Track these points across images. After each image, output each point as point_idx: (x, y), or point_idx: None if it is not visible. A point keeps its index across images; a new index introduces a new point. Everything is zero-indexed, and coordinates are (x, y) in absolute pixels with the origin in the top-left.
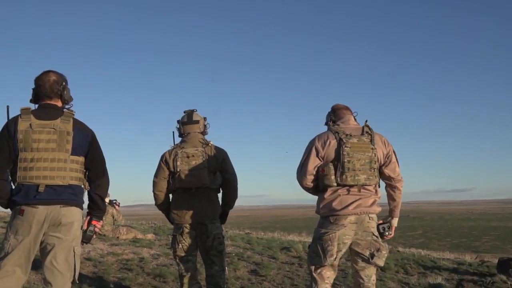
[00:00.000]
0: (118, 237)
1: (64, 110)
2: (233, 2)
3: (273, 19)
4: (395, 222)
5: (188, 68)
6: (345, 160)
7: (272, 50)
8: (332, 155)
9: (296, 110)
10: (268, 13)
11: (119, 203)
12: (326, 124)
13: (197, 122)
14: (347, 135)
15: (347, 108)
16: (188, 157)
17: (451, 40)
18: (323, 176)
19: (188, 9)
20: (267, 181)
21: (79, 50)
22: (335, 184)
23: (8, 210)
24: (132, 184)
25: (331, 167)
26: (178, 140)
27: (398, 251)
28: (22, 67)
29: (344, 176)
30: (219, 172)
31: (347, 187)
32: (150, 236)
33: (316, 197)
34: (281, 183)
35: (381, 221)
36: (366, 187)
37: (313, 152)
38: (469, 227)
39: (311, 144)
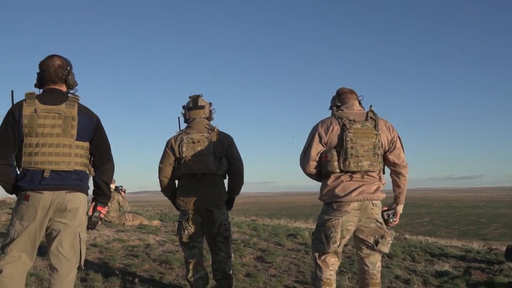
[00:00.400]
0: (124, 224)
1: (69, 95)
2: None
3: (273, 18)
4: (400, 208)
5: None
6: (348, 146)
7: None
8: (335, 141)
9: (302, 96)
10: (268, 13)
11: (125, 190)
12: (330, 108)
13: (202, 107)
14: (350, 120)
15: (352, 92)
16: (193, 142)
17: (461, 25)
18: (326, 162)
19: (188, 8)
20: (274, 168)
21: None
22: (338, 170)
23: (14, 196)
24: (137, 170)
25: (334, 153)
26: (183, 125)
27: (405, 238)
28: (26, 52)
29: (347, 163)
30: (225, 158)
31: (350, 174)
32: (156, 222)
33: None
34: (287, 169)
35: (385, 208)
36: (369, 173)
37: (316, 138)
38: (477, 214)
39: (314, 130)
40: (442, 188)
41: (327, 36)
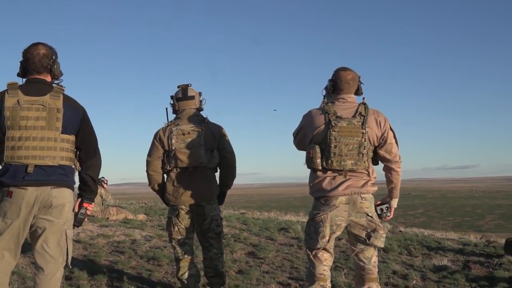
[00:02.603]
0: (108, 218)
1: (54, 85)
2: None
3: (273, 17)
4: (394, 203)
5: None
6: (332, 145)
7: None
8: (319, 137)
9: (290, 84)
10: (269, 11)
11: (107, 181)
12: (325, 90)
13: (192, 97)
14: (337, 117)
15: (353, 79)
16: (183, 134)
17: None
18: (309, 158)
19: (187, 7)
20: (260, 159)
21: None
22: (320, 167)
23: None
24: (118, 161)
25: (317, 150)
26: (172, 116)
27: (400, 231)
28: (8, 39)
29: (329, 161)
30: (216, 150)
31: (333, 170)
32: (141, 216)
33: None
34: (275, 160)
35: (379, 202)
36: (353, 171)
37: (301, 131)
38: (473, 205)
39: (302, 120)
40: (436, 178)
41: (323, 33)
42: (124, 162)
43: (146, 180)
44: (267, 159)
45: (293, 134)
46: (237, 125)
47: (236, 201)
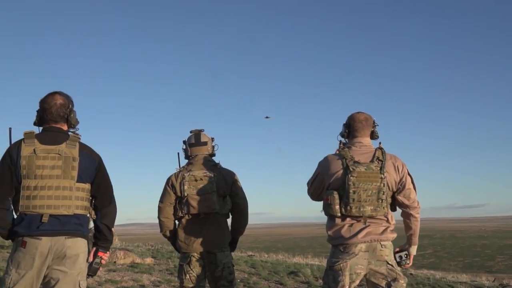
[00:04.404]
0: (115, 262)
1: (70, 133)
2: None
3: (271, 17)
4: (413, 250)
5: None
6: (351, 191)
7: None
8: (337, 183)
9: (298, 124)
10: (267, 11)
11: None
12: (341, 136)
13: (205, 143)
14: (355, 162)
15: (366, 120)
16: (196, 180)
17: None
18: (327, 204)
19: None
20: (267, 199)
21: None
22: (339, 214)
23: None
24: (124, 201)
25: (336, 196)
26: (183, 162)
27: (411, 274)
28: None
29: (348, 207)
30: (228, 196)
31: (353, 217)
32: (149, 260)
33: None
34: (281, 200)
35: (397, 249)
36: (373, 217)
37: (318, 178)
38: (482, 245)
39: (318, 167)
40: (444, 217)
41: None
42: (130, 202)
43: (153, 221)
44: (273, 198)
45: (308, 183)
46: (242, 165)
47: (243, 242)
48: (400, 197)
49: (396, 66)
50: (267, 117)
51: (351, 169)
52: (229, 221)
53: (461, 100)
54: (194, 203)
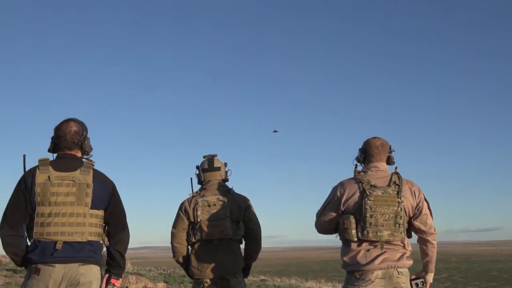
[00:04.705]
0: (127, 287)
1: (84, 160)
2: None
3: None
4: (430, 277)
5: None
6: (368, 215)
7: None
8: (353, 207)
9: (310, 143)
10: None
11: None
12: (356, 160)
13: (218, 169)
14: (371, 186)
15: (383, 145)
16: (209, 206)
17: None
18: (343, 229)
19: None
20: (278, 222)
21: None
22: (355, 238)
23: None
24: (136, 224)
25: (352, 220)
26: (196, 187)
27: None
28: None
29: (365, 232)
30: (242, 221)
31: (370, 242)
32: (161, 285)
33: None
34: (292, 224)
35: (414, 276)
36: (390, 242)
37: (332, 202)
38: (499, 269)
39: (332, 192)
40: (459, 241)
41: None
42: (142, 225)
43: (165, 244)
44: (285, 221)
45: (317, 213)
46: (252, 187)
47: (255, 266)
48: (416, 223)
49: (401, 94)
50: (275, 131)
51: (368, 193)
52: (242, 246)
53: (476, 126)
54: (207, 228)
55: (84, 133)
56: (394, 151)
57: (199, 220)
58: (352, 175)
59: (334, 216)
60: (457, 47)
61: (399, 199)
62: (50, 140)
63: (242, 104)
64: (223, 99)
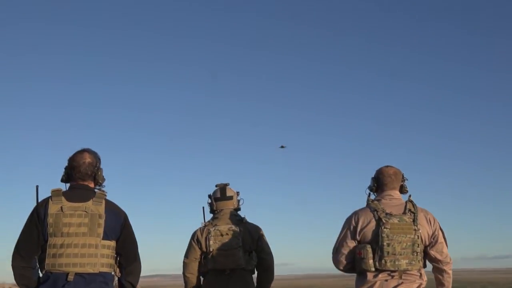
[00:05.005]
0: None
1: (96, 190)
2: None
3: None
4: None
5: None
6: (385, 243)
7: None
8: (369, 236)
9: (320, 169)
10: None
11: None
12: (369, 189)
13: (230, 198)
14: (387, 214)
15: (396, 174)
16: (221, 235)
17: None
18: (360, 259)
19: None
20: (290, 249)
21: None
22: (373, 269)
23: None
24: (147, 251)
25: (369, 250)
26: (208, 216)
27: None
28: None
29: (383, 261)
30: (254, 251)
31: (388, 272)
32: None
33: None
34: (304, 250)
35: None
36: (408, 272)
37: (348, 233)
38: None
39: (347, 223)
40: (475, 268)
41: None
42: (153, 253)
43: (177, 272)
44: (296, 248)
45: (334, 248)
46: (263, 214)
47: None
48: (432, 252)
49: (412, 117)
50: (282, 147)
51: (384, 221)
52: (254, 276)
53: (491, 152)
54: (219, 258)
55: (98, 164)
56: (407, 179)
57: (211, 250)
58: (364, 205)
59: (352, 247)
60: None
61: (416, 227)
62: (63, 170)
63: (258, 131)
64: (240, 137)
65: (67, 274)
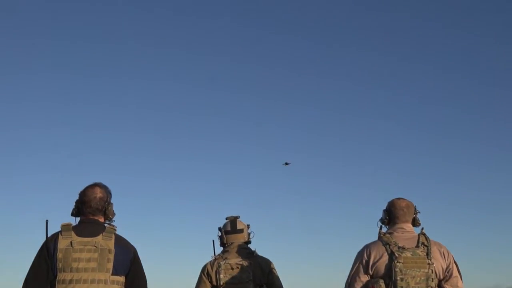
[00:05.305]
0: None
1: (106, 225)
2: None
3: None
4: None
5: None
6: (398, 278)
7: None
8: (382, 270)
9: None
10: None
11: None
12: (381, 222)
13: (241, 231)
14: (399, 247)
15: (408, 207)
16: (232, 269)
17: None
18: None
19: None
20: (303, 283)
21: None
22: None
23: None
24: (157, 286)
25: (382, 285)
26: (218, 249)
27: None
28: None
29: None
30: (265, 285)
31: None
32: None
33: None
34: (318, 285)
35: None
36: None
37: (361, 267)
38: None
39: (359, 257)
40: None
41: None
42: (164, 287)
43: None
44: (309, 282)
45: (346, 283)
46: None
47: None
48: (447, 286)
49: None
50: (286, 164)
51: (397, 255)
52: None
53: (504, 176)
54: None
55: (108, 199)
56: (419, 212)
57: (221, 284)
58: (376, 238)
59: (365, 281)
60: None
61: (429, 261)
62: (74, 203)
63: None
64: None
65: None
